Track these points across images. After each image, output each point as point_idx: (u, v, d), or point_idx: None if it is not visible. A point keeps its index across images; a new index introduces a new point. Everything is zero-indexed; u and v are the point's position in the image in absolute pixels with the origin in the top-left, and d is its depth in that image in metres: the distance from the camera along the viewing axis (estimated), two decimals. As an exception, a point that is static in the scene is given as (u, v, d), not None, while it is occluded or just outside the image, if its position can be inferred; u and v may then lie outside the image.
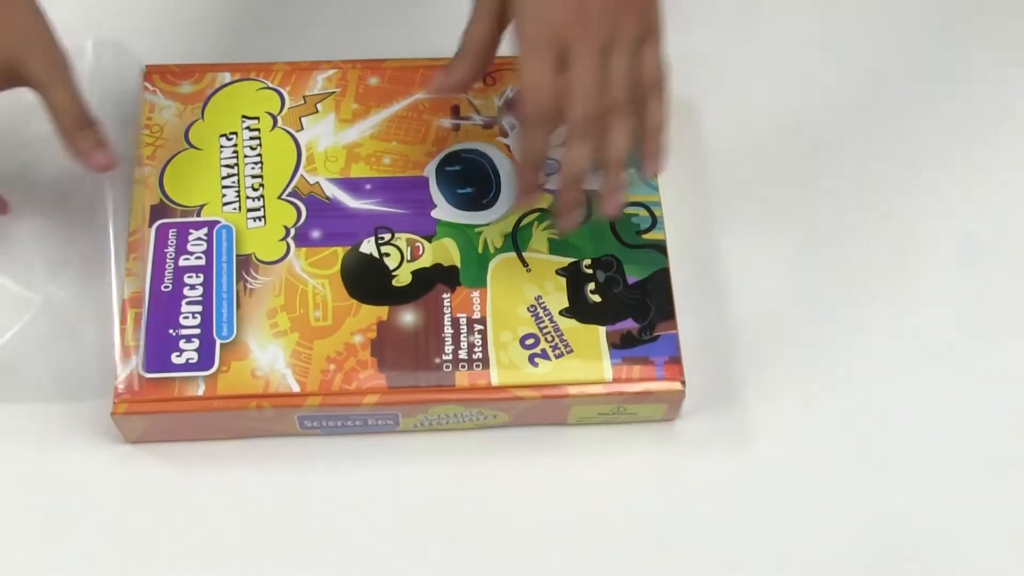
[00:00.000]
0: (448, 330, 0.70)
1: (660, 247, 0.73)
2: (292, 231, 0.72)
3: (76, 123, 0.68)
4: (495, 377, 0.69)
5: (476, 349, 0.69)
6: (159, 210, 0.73)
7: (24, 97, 0.68)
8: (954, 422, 0.73)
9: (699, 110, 0.81)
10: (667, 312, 0.71)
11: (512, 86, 0.77)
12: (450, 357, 0.69)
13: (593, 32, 0.63)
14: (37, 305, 0.73)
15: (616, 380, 0.69)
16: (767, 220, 0.78)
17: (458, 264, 0.72)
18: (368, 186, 0.74)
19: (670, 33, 0.67)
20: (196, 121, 0.76)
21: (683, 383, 0.69)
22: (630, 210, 0.74)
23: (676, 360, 0.69)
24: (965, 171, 0.80)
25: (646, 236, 0.73)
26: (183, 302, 0.70)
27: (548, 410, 0.70)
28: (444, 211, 0.73)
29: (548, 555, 0.68)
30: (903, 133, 0.81)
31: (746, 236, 0.77)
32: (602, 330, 0.70)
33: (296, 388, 0.68)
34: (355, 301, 0.70)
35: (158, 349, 0.69)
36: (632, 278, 0.72)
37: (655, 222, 0.73)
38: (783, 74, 0.83)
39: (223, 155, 0.75)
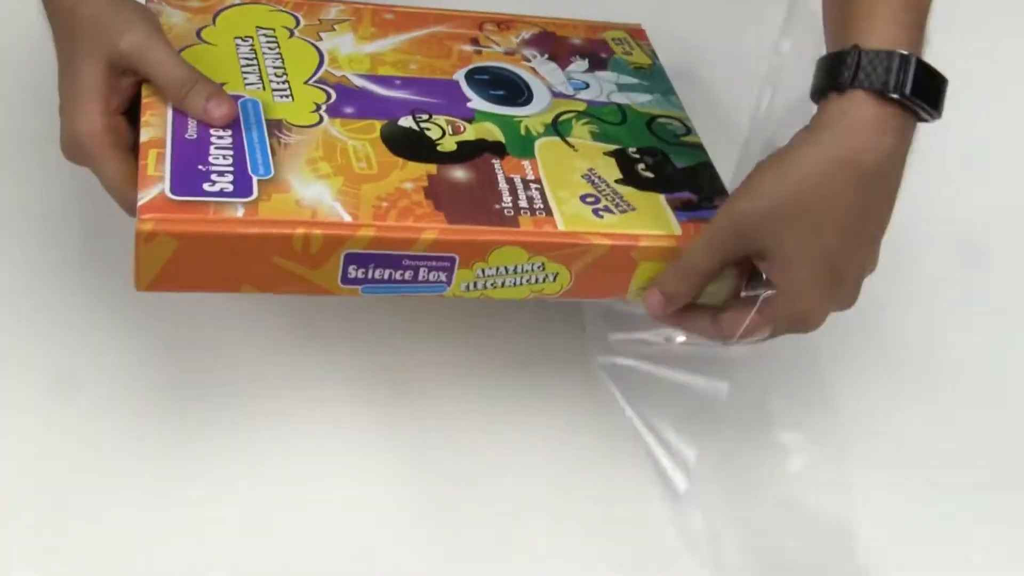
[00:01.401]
0: (504, 185, 0.65)
1: (700, 147, 0.71)
2: (323, 107, 0.67)
3: (180, 86, 0.64)
4: (561, 223, 0.63)
5: (536, 201, 0.64)
6: (175, 81, 0.67)
7: None
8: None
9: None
10: (720, 189, 0.68)
11: (526, 31, 0.77)
12: (510, 205, 0.64)
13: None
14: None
15: (686, 234, 0.65)
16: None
17: (503, 140, 0.68)
18: (398, 82, 0.71)
19: None
20: (207, 26, 0.72)
21: None
22: (663, 121, 0.72)
23: None
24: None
25: (684, 138, 0.72)
26: (211, 146, 0.63)
27: (613, 268, 0.64)
28: (477, 103, 0.70)
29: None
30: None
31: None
32: (661, 196, 0.67)
33: (347, 218, 0.61)
34: (400, 159, 0.65)
35: (187, 176, 0.60)
36: (680, 164, 0.69)
37: (689, 130, 0.72)
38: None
39: (240, 51, 0.70)
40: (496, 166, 0.66)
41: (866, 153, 0.57)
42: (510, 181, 0.65)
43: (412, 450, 0.68)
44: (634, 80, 0.75)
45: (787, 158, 0.59)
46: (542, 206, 0.64)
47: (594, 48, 0.77)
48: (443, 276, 0.63)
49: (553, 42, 0.77)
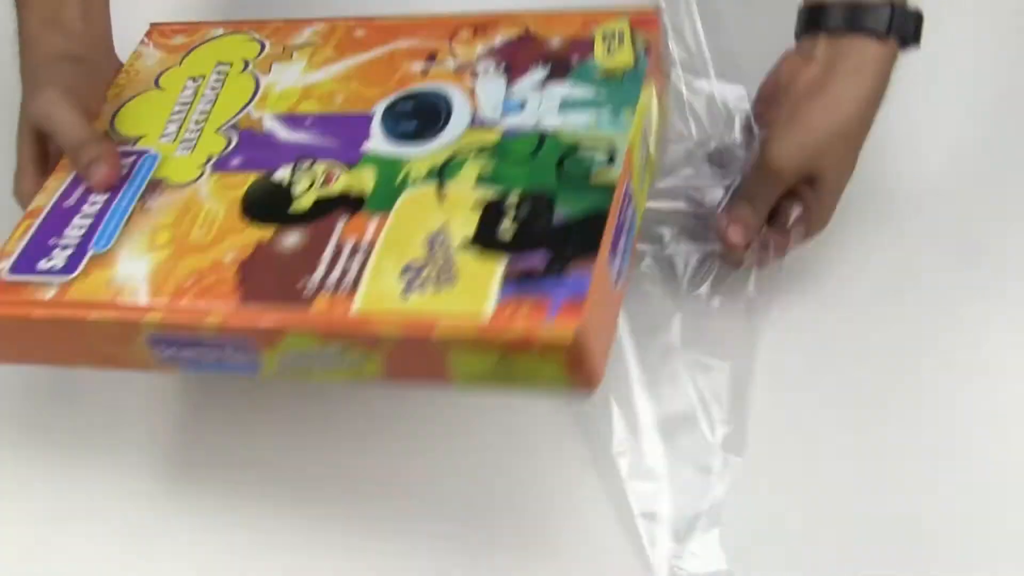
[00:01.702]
0: (328, 254, 0.58)
1: (608, 188, 0.58)
2: (214, 159, 0.65)
3: (73, 145, 0.65)
4: (357, 303, 0.56)
5: (349, 275, 0.57)
6: (100, 140, 0.68)
7: None
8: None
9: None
10: (590, 251, 0.55)
11: (502, 36, 0.67)
12: (316, 283, 0.57)
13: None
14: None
15: (494, 317, 0.54)
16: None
17: (368, 192, 0.61)
18: (308, 121, 0.65)
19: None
20: (172, 67, 0.71)
21: (578, 331, 0.53)
22: (584, 153, 0.60)
23: (579, 301, 0.53)
24: None
25: (597, 175, 0.58)
26: (77, 216, 0.64)
27: (421, 356, 0.56)
28: (376, 143, 0.63)
29: None
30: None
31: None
32: (501, 264, 0.56)
33: (144, 301, 0.59)
34: (244, 223, 0.61)
35: (31, 255, 0.62)
36: (560, 216, 0.57)
37: (612, 159, 0.59)
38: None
39: (183, 95, 0.69)
40: (337, 228, 0.59)
41: (879, 87, 0.68)
42: (338, 249, 0.58)
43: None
44: (588, 94, 0.62)
45: (828, 94, 0.68)
46: (353, 280, 0.57)
47: (570, 50, 0.65)
48: (248, 358, 0.59)
49: (524, 47, 0.66)
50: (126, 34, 0.74)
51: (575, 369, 0.54)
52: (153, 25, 0.74)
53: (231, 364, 0.59)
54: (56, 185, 0.66)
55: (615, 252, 0.57)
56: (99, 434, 0.70)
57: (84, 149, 0.65)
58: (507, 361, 0.54)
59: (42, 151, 0.68)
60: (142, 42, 0.74)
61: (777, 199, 0.70)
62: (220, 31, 0.73)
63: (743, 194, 0.71)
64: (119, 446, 0.69)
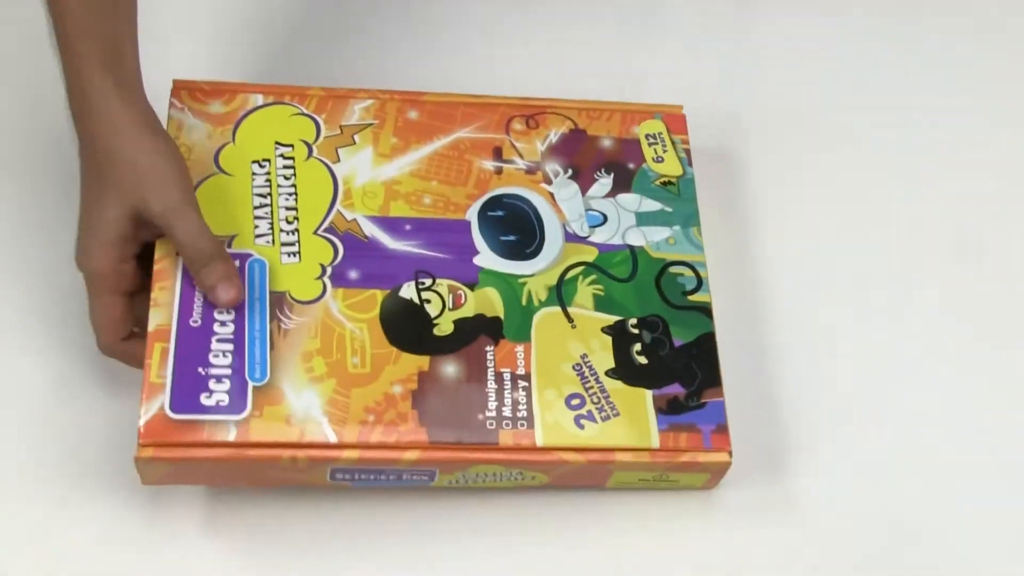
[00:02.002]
0: (492, 385, 0.67)
1: (706, 310, 0.71)
2: (328, 270, 0.69)
3: (200, 259, 0.66)
4: (540, 437, 0.66)
5: (520, 407, 0.67)
6: (187, 238, 0.69)
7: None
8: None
9: (746, 166, 0.80)
10: (714, 378, 0.69)
11: (555, 130, 0.75)
12: (494, 414, 0.66)
13: None
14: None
15: (663, 447, 0.67)
16: (814, 281, 0.77)
17: (501, 316, 0.69)
18: (408, 226, 0.71)
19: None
20: (227, 144, 0.72)
21: (730, 453, 0.67)
22: (675, 270, 0.72)
23: (723, 428, 0.68)
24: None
25: (692, 298, 0.71)
26: (213, 339, 0.66)
27: (590, 474, 0.68)
28: (486, 258, 0.71)
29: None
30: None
31: (793, 296, 0.76)
32: (649, 394, 0.68)
33: (333, 438, 0.65)
34: (395, 349, 0.67)
35: (186, 388, 0.65)
36: (678, 340, 0.70)
37: (700, 283, 0.72)
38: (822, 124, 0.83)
39: (255, 183, 0.71)
40: (488, 356, 0.68)
41: None
42: (499, 378, 0.67)
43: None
44: (656, 206, 0.74)
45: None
46: (525, 415, 0.66)
47: (623, 154, 0.75)
48: (425, 478, 0.67)
49: (580, 146, 0.75)
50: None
51: (717, 476, 0.69)
52: (178, 83, 0.73)
53: (406, 481, 0.67)
54: (165, 298, 0.67)
55: None
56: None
57: (214, 264, 0.66)
58: (665, 475, 0.68)
59: (131, 238, 0.66)
60: (173, 105, 0.73)
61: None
62: (260, 99, 0.73)
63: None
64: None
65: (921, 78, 0.85)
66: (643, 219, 0.73)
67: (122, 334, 0.67)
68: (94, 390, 0.70)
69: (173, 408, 0.64)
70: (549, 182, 0.74)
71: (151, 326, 0.66)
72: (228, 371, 0.65)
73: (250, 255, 0.69)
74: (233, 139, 0.72)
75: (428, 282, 0.69)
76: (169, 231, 0.66)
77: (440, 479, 0.67)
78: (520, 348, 0.68)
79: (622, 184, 0.74)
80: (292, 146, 0.72)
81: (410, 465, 0.66)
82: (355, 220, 0.71)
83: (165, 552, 0.66)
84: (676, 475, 0.68)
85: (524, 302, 0.70)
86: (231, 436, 0.64)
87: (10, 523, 0.66)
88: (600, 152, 0.75)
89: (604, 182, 0.74)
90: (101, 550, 0.66)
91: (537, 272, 0.71)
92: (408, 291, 0.69)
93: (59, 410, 0.70)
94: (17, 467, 0.68)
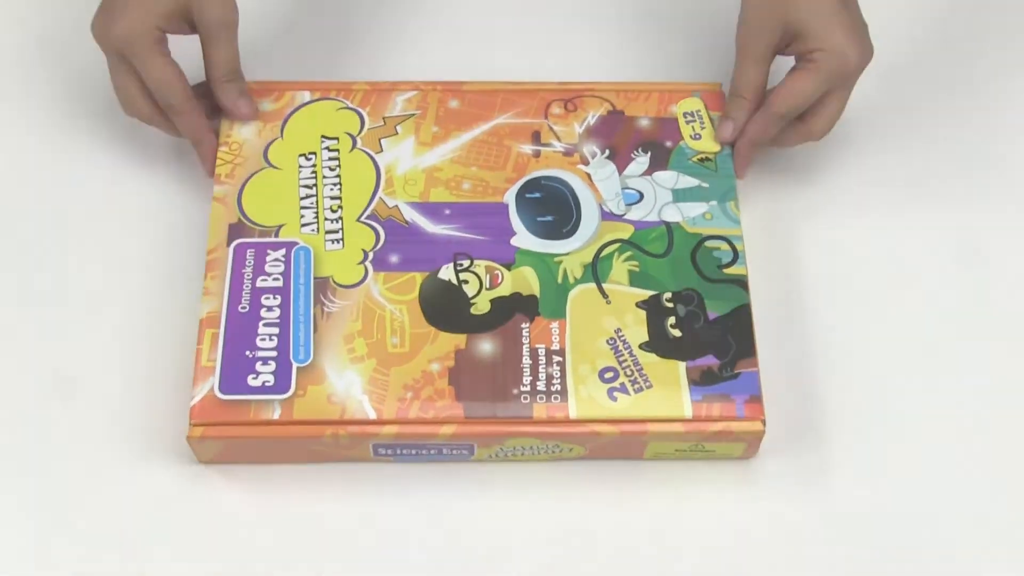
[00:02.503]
0: (526, 360, 0.69)
1: (741, 282, 0.72)
2: (370, 255, 0.72)
3: (227, 76, 0.74)
4: (573, 410, 0.68)
5: (555, 381, 0.68)
6: (237, 229, 0.72)
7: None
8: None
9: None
10: (748, 349, 0.70)
11: (593, 112, 0.77)
12: (528, 388, 0.68)
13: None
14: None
15: (696, 418, 0.68)
16: (851, 254, 0.77)
17: (537, 294, 0.71)
18: (447, 211, 0.73)
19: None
20: (275, 140, 0.75)
21: (763, 423, 0.68)
22: (711, 244, 0.73)
23: (757, 399, 0.68)
24: None
25: (727, 271, 0.72)
26: (260, 324, 0.69)
27: (625, 445, 0.69)
28: (523, 239, 0.73)
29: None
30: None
31: (830, 269, 0.76)
32: (682, 365, 0.69)
33: (373, 415, 0.67)
34: (433, 328, 0.70)
35: (234, 371, 0.68)
36: (712, 313, 0.71)
37: (736, 256, 0.72)
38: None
39: (302, 175, 0.74)
40: (524, 333, 0.69)
41: None
42: (534, 354, 0.69)
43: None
44: (693, 182, 0.75)
45: None
46: (559, 387, 0.68)
47: (661, 133, 0.76)
48: (465, 452, 0.69)
49: (618, 127, 0.76)
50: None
51: (753, 445, 0.69)
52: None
53: (446, 455, 0.70)
54: (216, 287, 0.70)
55: None
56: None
57: (238, 83, 0.75)
58: (700, 445, 0.69)
59: (168, 28, 0.72)
60: (226, 105, 0.76)
61: (761, 73, 0.74)
62: (307, 96, 0.77)
63: (736, 92, 0.75)
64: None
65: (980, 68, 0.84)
66: (680, 195, 0.74)
67: (185, 89, 0.73)
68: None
69: (222, 389, 0.68)
70: (586, 163, 0.75)
71: (202, 313, 0.70)
72: (274, 353, 0.69)
73: (296, 243, 0.72)
74: (281, 134, 0.76)
75: (466, 263, 0.72)
76: (213, 42, 0.73)
77: (479, 452, 0.69)
78: (555, 324, 0.70)
79: (659, 162, 0.75)
80: (337, 139, 0.76)
81: (448, 439, 0.68)
82: (396, 206, 0.73)
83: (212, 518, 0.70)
84: (712, 445, 0.69)
85: (560, 280, 0.71)
86: (276, 415, 0.67)
87: (92, 485, 0.70)
88: (637, 132, 0.76)
89: (641, 161, 0.75)
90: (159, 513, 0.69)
91: (573, 250, 0.72)
92: (446, 272, 0.71)
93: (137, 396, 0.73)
94: (98, 440, 0.71)
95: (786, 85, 0.73)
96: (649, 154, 0.76)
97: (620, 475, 0.70)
